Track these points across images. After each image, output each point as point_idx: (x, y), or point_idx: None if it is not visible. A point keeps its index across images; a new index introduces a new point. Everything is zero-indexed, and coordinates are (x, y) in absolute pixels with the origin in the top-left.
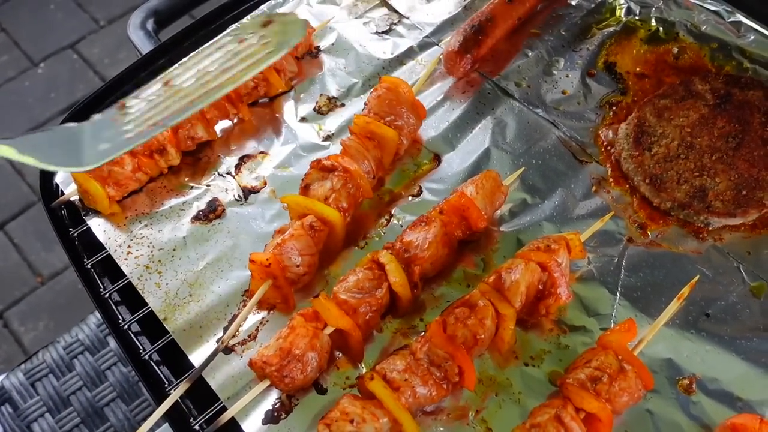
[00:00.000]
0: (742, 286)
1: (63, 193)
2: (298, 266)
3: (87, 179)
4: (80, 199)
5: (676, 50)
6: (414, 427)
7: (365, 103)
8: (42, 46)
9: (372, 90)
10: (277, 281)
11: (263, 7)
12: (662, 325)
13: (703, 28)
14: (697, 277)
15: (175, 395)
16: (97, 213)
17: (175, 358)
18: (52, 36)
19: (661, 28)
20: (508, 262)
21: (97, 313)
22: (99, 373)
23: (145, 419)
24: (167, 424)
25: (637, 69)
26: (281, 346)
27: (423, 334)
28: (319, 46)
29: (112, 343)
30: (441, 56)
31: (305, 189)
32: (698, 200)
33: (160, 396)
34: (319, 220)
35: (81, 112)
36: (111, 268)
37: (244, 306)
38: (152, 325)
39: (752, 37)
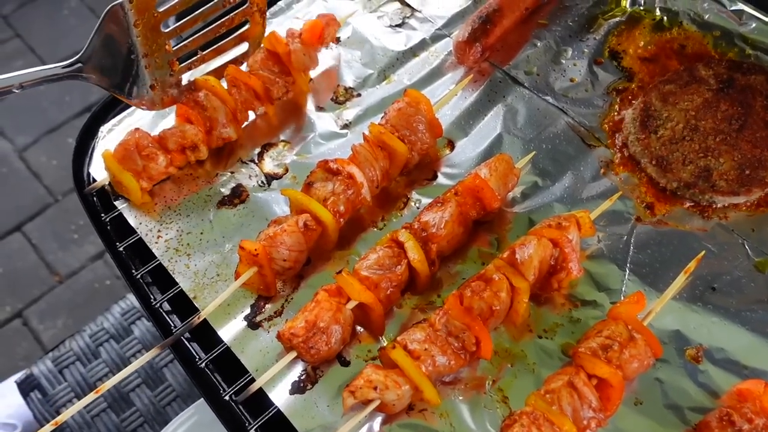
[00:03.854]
0: (747, 261)
1: (95, 181)
2: (284, 260)
3: (121, 171)
4: (110, 183)
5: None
6: (434, 393)
7: (385, 112)
8: (56, 50)
9: (395, 101)
10: (263, 270)
11: (281, 3)
12: (670, 299)
13: (706, 16)
14: (703, 252)
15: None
16: (127, 199)
17: (205, 334)
18: (65, 41)
19: (665, 18)
20: (522, 238)
21: (121, 303)
22: (124, 359)
23: (169, 404)
24: (202, 399)
25: (642, 57)
26: (307, 319)
27: (441, 308)
28: (339, 37)
29: (137, 331)
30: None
31: (308, 186)
32: (703, 180)
33: (193, 370)
34: (313, 219)
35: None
36: (142, 252)
37: None
38: (182, 305)
39: (753, 25)
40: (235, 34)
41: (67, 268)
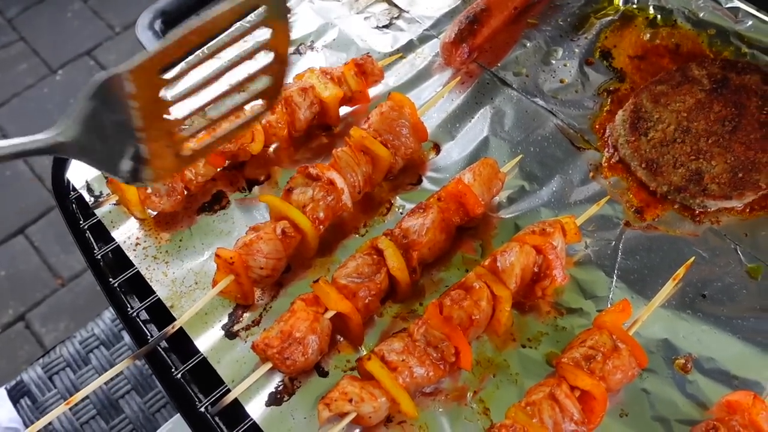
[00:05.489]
0: (739, 267)
1: (74, 188)
2: (261, 268)
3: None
4: (89, 189)
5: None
6: (411, 405)
7: (368, 116)
8: (60, 53)
9: (378, 105)
10: (240, 278)
11: None
12: (659, 307)
13: (701, 14)
14: (693, 258)
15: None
16: (105, 206)
17: (183, 344)
18: (69, 43)
19: (659, 16)
20: (504, 245)
21: (111, 309)
22: (113, 366)
23: (159, 410)
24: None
25: (635, 56)
26: (282, 329)
27: (420, 318)
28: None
29: (127, 337)
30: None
31: (287, 192)
32: (694, 183)
33: (168, 381)
34: (292, 226)
35: None
36: (120, 259)
37: None
38: (161, 315)
39: (750, 23)
40: (250, 93)
41: (70, 270)
